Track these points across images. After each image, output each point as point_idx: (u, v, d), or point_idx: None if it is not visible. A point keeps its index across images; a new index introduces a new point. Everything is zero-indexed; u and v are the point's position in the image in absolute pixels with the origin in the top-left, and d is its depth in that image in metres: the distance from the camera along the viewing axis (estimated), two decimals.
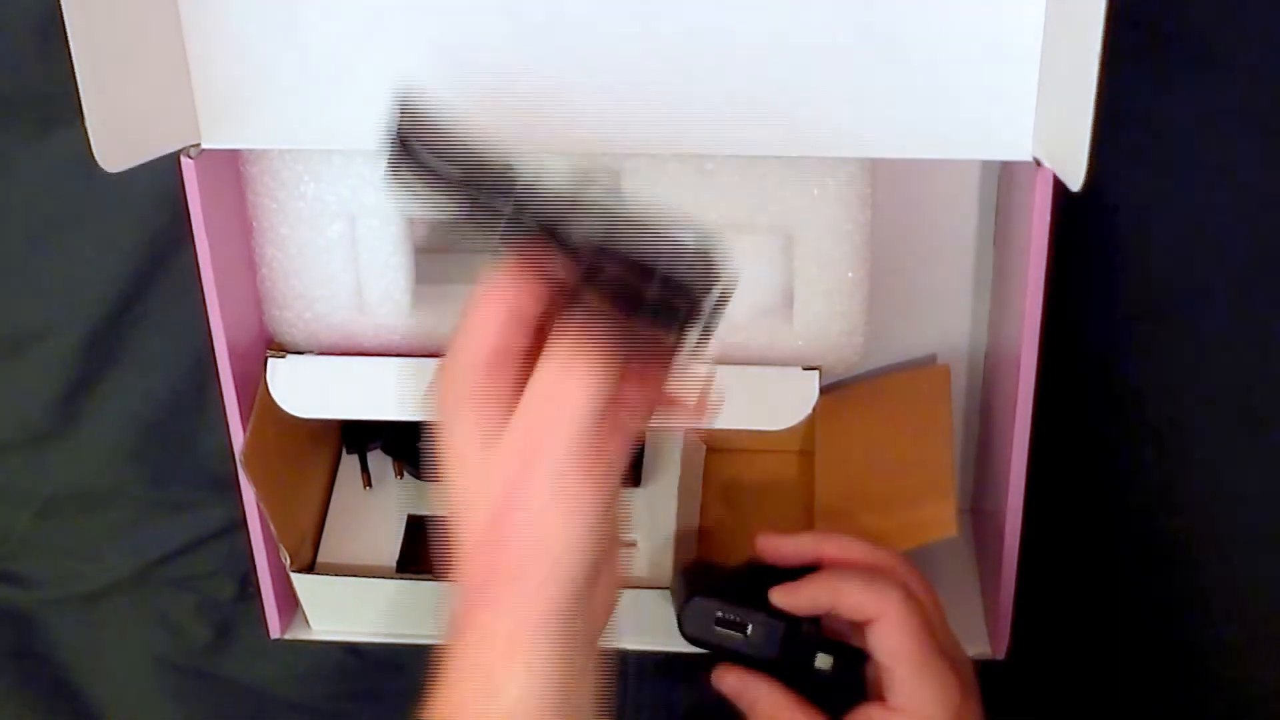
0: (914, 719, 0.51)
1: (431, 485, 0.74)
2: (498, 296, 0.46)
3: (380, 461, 0.75)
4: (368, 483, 0.74)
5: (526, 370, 0.46)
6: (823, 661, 0.56)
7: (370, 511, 0.74)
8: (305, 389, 0.66)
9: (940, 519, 0.67)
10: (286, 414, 0.66)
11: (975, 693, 0.54)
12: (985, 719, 0.55)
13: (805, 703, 0.54)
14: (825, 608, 0.54)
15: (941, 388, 0.72)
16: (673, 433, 0.74)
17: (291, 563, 0.68)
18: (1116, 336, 0.71)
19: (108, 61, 0.55)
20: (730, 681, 0.55)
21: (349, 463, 0.75)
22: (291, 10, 0.58)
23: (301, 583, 0.69)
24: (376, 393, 0.66)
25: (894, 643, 0.51)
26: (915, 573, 0.56)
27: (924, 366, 0.74)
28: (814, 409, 0.74)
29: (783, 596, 0.56)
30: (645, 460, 0.73)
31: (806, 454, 0.77)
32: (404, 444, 0.74)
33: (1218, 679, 0.78)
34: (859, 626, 0.55)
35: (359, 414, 0.68)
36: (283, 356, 0.67)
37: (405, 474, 0.74)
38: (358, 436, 0.75)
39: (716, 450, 0.78)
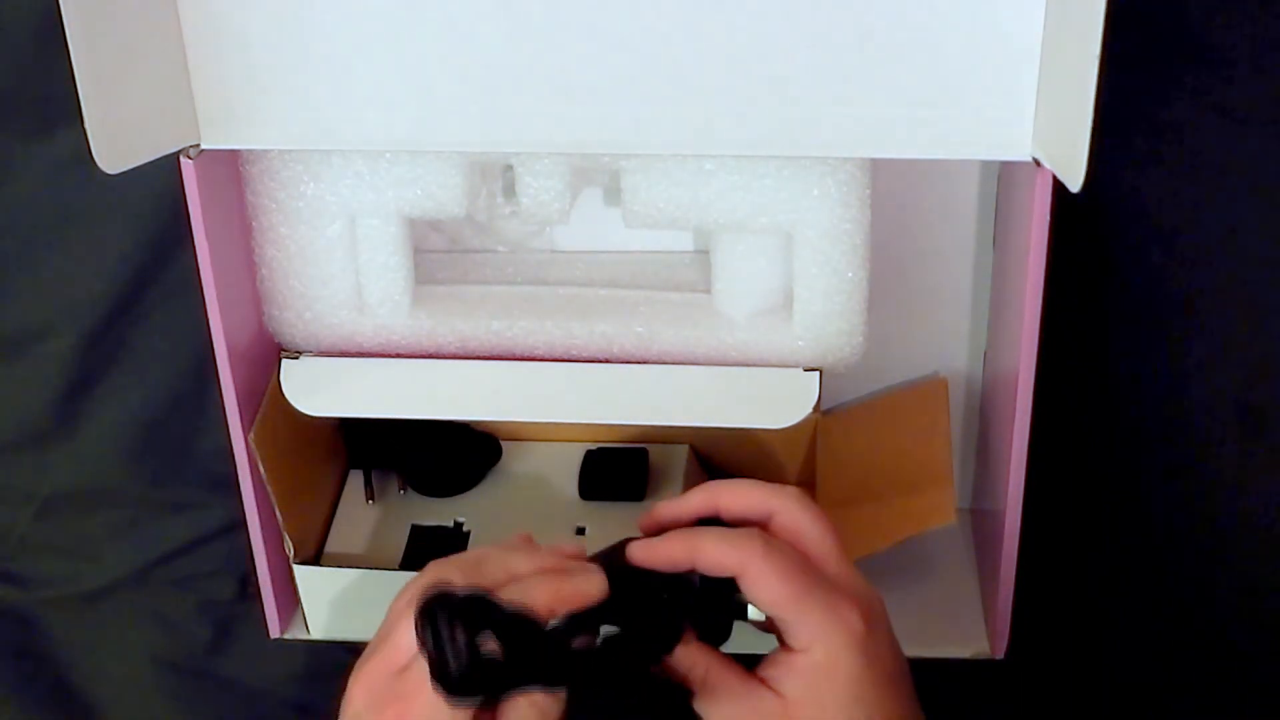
0: (816, 655, 0.50)
1: (433, 500, 0.74)
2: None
3: (384, 478, 0.76)
4: (370, 496, 0.74)
5: None
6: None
7: (373, 523, 0.74)
8: (317, 389, 0.66)
9: (938, 506, 0.66)
10: (294, 418, 0.66)
11: (882, 620, 0.52)
12: (898, 648, 0.53)
13: (713, 651, 0.53)
14: (686, 565, 0.52)
15: (940, 398, 0.72)
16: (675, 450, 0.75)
17: (295, 554, 0.68)
18: (1117, 337, 0.71)
19: (107, 62, 0.55)
20: None
21: (353, 478, 0.76)
22: (291, 11, 0.58)
23: (303, 576, 0.69)
24: (388, 394, 0.66)
25: (765, 592, 0.50)
26: (807, 505, 0.54)
27: (922, 381, 0.74)
28: (814, 431, 0.74)
29: (641, 552, 0.53)
30: (650, 476, 0.73)
31: (805, 485, 0.77)
32: (407, 460, 0.75)
33: (1217, 678, 0.78)
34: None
35: (371, 414, 0.68)
36: (296, 358, 0.67)
37: (408, 489, 0.75)
38: (363, 453, 0.75)
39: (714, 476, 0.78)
